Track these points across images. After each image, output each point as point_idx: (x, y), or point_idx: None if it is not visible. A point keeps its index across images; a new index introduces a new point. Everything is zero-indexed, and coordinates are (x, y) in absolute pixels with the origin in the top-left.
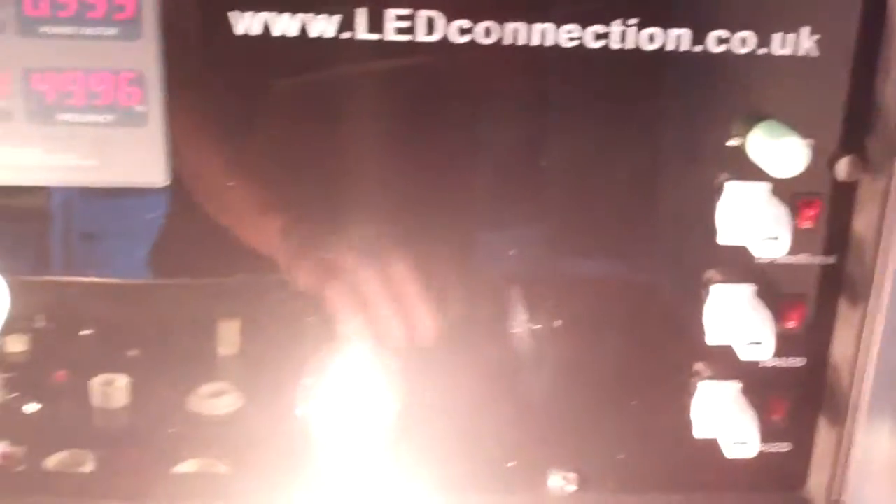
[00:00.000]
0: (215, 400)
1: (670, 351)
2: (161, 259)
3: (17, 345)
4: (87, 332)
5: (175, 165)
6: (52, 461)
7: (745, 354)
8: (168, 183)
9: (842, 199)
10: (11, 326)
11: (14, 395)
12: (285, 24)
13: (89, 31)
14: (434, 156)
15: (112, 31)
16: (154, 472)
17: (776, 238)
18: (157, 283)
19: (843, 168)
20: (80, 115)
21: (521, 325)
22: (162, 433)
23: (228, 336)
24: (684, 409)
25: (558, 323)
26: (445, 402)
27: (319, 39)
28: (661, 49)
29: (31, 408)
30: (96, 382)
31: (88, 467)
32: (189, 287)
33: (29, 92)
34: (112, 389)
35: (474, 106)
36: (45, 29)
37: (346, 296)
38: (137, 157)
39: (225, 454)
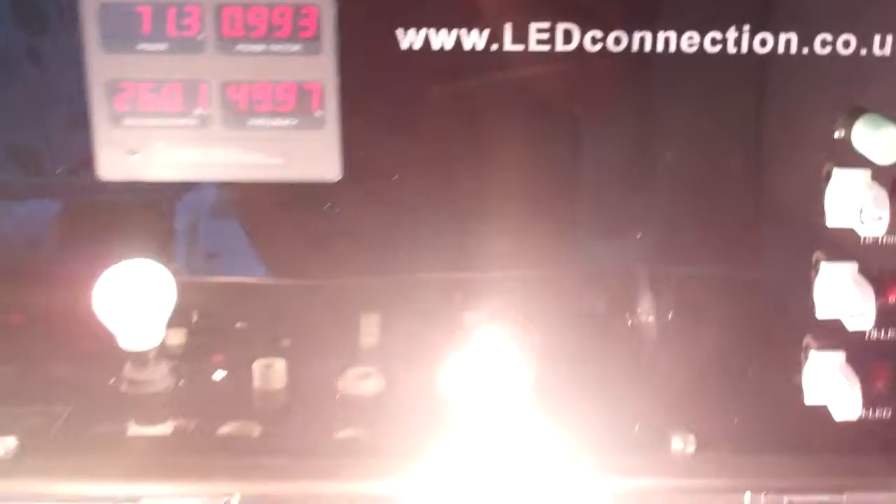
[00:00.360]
0: (362, 381)
1: (783, 326)
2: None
3: (176, 337)
4: (241, 324)
5: (346, 163)
6: (224, 429)
7: (850, 325)
8: (340, 178)
9: None
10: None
11: (180, 380)
12: (443, 39)
13: (277, 48)
14: (565, 155)
15: (296, 47)
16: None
17: (879, 218)
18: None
19: None
20: (268, 121)
21: (641, 314)
22: (317, 410)
23: (369, 328)
24: (796, 378)
25: (670, 314)
26: (577, 372)
27: (471, 51)
28: (772, 52)
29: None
30: (257, 366)
31: (256, 433)
32: (334, 286)
33: (225, 101)
34: (271, 372)
35: (599, 110)
36: (240, 47)
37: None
38: (315, 156)
39: (372, 429)
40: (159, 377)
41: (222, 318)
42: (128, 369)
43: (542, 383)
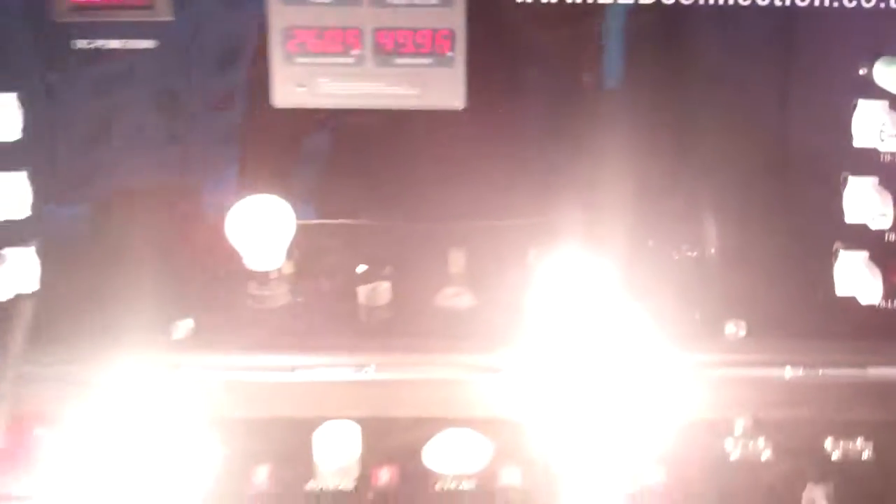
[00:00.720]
0: (455, 298)
1: (818, 231)
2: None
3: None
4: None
5: (470, 95)
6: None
7: (873, 225)
8: (464, 107)
9: None
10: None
11: (298, 299)
12: None
13: (418, 1)
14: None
15: (434, 1)
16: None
17: (894, 136)
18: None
19: None
20: (409, 60)
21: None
22: (419, 319)
23: (457, 260)
24: (829, 273)
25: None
26: (646, 272)
27: (573, 3)
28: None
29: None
30: (363, 288)
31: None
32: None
33: (375, 44)
34: (377, 291)
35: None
36: (389, 0)
37: None
38: (445, 89)
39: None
40: (280, 294)
41: (334, 253)
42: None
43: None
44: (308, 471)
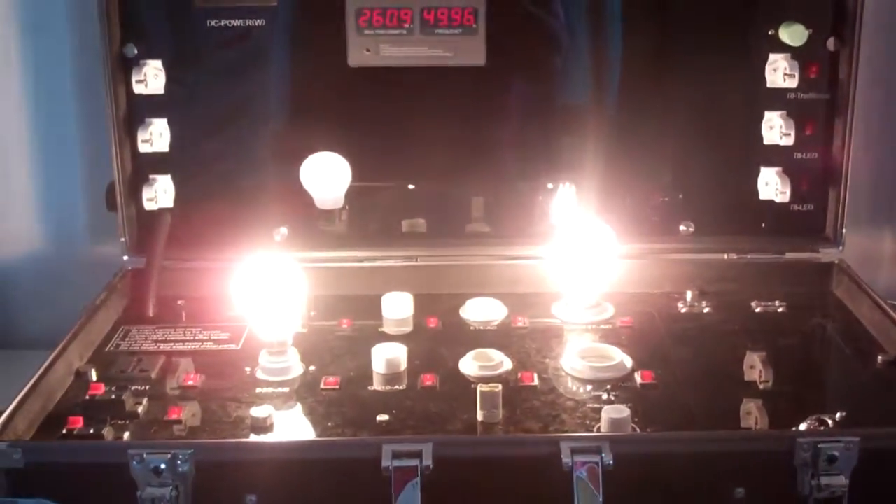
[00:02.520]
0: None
1: (745, 153)
2: None
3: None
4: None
5: (489, 55)
6: None
7: (782, 142)
8: (484, 63)
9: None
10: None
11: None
12: None
13: None
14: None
15: None
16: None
17: (794, 75)
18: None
19: (831, 44)
20: (446, 30)
21: None
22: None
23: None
24: (753, 185)
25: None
26: (618, 182)
27: None
28: None
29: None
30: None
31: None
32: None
33: (422, 20)
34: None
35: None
36: None
37: None
38: (471, 50)
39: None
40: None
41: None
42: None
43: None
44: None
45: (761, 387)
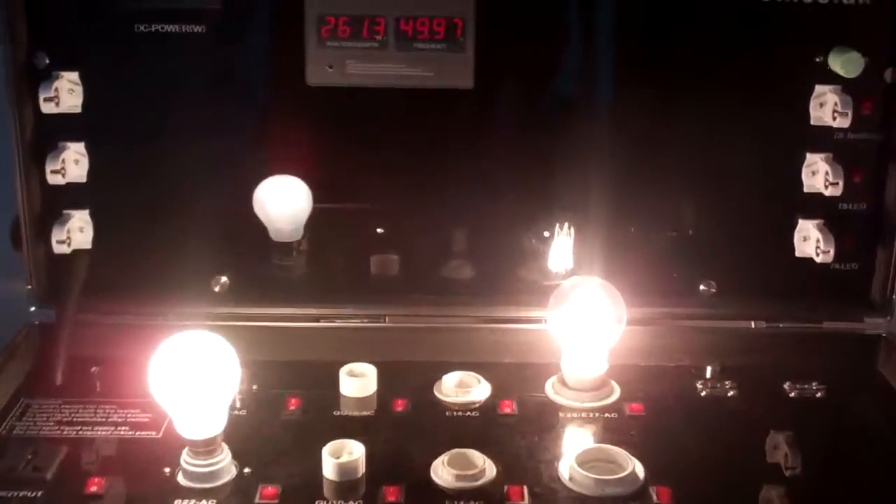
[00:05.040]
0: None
1: (781, 201)
2: None
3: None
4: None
5: (479, 76)
6: None
7: (827, 192)
8: (472, 86)
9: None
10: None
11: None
12: None
13: None
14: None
15: None
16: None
17: (846, 114)
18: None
19: (889, 75)
20: (426, 45)
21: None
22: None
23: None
24: (789, 239)
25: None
26: (627, 238)
27: None
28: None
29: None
30: (374, 259)
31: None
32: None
33: (398, 31)
34: (387, 262)
35: None
36: None
37: None
38: (456, 70)
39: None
40: (300, 264)
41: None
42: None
43: (604, 254)
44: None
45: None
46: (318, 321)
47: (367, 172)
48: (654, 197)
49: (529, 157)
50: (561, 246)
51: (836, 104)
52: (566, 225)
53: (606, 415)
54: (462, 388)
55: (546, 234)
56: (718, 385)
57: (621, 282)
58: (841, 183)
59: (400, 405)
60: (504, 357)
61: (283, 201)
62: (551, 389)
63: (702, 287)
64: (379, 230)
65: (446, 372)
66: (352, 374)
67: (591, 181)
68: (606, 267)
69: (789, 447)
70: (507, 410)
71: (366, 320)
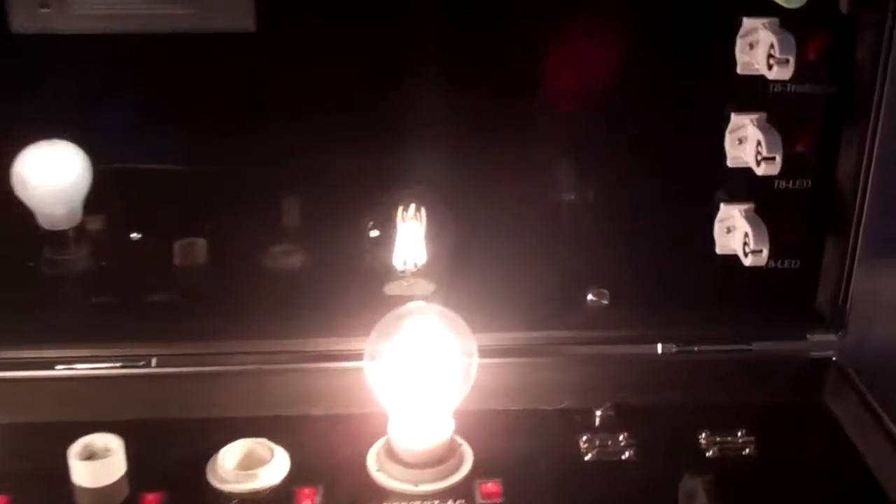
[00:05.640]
0: (285, 257)
1: (695, 179)
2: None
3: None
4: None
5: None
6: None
7: (759, 171)
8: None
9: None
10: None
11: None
12: None
13: None
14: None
15: None
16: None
17: (786, 61)
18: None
19: (845, 4)
20: None
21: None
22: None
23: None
24: (707, 230)
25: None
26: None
27: None
28: None
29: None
30: (177, 245)
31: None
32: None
33: None
34: (193, 249)
35: None
36: None
37: None
38: (229, 5)
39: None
40: (79, 258)
41: (143, 202)
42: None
43: (463, 249)
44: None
45: None
46: (52, 368)
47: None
48: (521, 171)
49: (342, 120)
50: (407, 237)
51: (771, 46)
52: (412, 208)
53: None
54: (246, 470)
55: (374, 232)
56: (610, 442)
57: (477, 293)
58: (779, 158)
59: (153, 499)
60: (314, 407)
61: (53, 175)
62: (374, 464)
63: (590, 297)
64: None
65: (230, 438)
66: (87, 454)
67: (434, 154)
68: (456, 270)
69: None
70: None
71: (123, 364)
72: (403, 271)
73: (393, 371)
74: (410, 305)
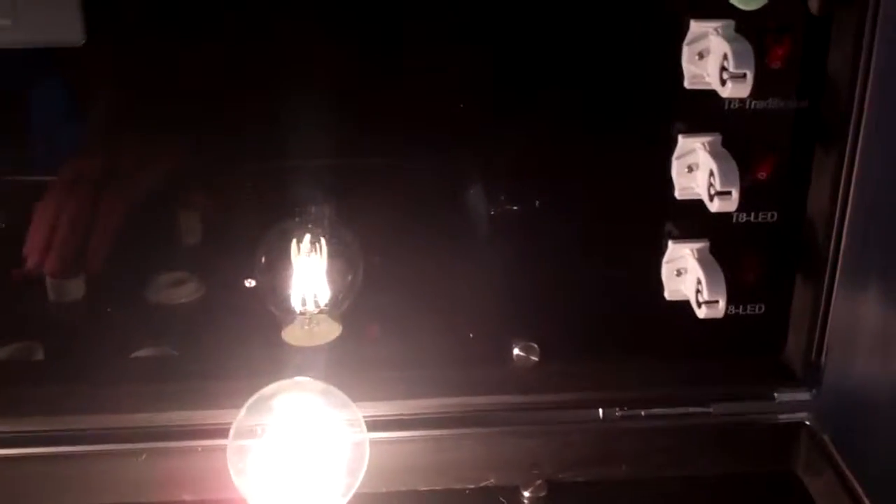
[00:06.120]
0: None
1: (641, 212)
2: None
3: None
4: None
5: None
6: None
7: (712, 207)
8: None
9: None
10: None
11: None
12: None
13: None
14: None
15: None
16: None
17: (743, 76)
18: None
19: (815, 3)
20: None
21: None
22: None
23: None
24: (653, 272)
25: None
26: (408, 279)
27: None
28: None
29: None
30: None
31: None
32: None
33: None
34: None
35: None
36: None
37: None
38: (54, 17)
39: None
40: None
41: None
42: None
43: (367, 288)
44: None
45: None
46: None
47: None
48: (437, 194)
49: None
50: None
51: (725, 58)
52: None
53: None
54: None
55: (249, 282)
56: None
57: (379, 344)
58: (735, 193)
59: None
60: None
61: None
62: None
63: (516, 352)
64: None
65: None
66: None
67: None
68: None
69: None
70: None
71: None
72: (303, 312)
73: (263, 470)
74: (273, 387)
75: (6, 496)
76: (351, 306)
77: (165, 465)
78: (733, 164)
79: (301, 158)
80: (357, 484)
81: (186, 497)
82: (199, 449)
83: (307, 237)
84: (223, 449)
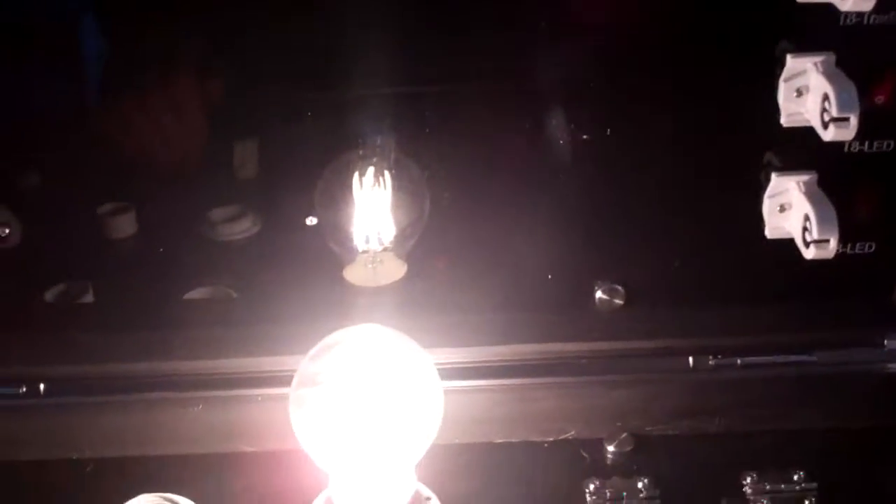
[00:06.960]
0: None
1: (737, 137)
2: None
3: None
4: None
5: None
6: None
7: (825, 135)
8: None
9: None
10: None
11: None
12: None
13: None
14: None
15: None
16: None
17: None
18: None
19: None
20: None
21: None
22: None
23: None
24: (754, 207)
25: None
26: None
27: None
28: None
29: None
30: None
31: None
32: None
33: None
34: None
35: None
36: None
37: None
38: None
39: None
40: None
41: None
42: None
43: (435, 225)
44: None
45: None
46: None
47: None
48: (511, 120)
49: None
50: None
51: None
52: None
53: None
54: None
55: (311, 219)
56: (626, 494)
57: (448, 286)
58: (853, 119)
59: None
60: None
61: None
62: None
63: (599, 295)
64: None
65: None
66: None
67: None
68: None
69: None
70: None
71: None
72: (367, 251)
73: (328, 425)
74: (340, 334)
75: (53, 445)
76: (417, 244)
77: (223, 416)
78: (852, 87)
79: (364, 86)
80: (430, 440)
81: (245, 448)
82: (259, 398)
83: (371, 170)
84: (284, 398)
